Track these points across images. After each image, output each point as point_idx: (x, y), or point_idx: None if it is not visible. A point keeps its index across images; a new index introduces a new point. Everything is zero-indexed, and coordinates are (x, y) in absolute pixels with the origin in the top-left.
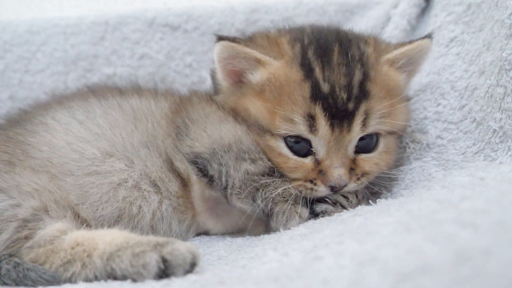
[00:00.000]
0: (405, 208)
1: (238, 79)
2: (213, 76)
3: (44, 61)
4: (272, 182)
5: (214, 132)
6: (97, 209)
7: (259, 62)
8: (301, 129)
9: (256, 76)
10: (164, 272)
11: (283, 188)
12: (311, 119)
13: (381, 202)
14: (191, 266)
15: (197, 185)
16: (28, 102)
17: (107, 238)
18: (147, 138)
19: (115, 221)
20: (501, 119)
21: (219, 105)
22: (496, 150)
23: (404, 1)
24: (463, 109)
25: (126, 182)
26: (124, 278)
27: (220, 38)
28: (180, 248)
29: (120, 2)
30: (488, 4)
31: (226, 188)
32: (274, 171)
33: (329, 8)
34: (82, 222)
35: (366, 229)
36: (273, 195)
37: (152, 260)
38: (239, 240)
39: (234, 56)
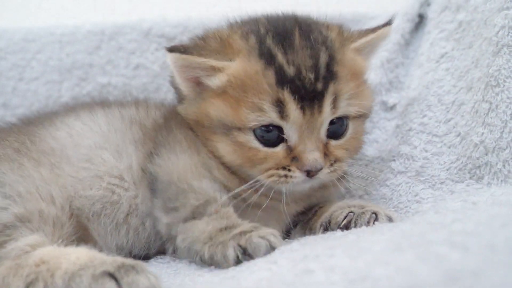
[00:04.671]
0: (397, 228)
1: (197, 82)
2: (173, 82)
3: (39, 69)
4: (193, 225)
5: (169, 164)
6: (89, 190)
7: (214, 69)
8: (272, 116)
9: (215, 81)
10: None
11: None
12: (280, 105)
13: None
14: None
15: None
16: (22, 110)
17: (72, 257)
18: (137, 136)
19: (102, 207)
20: (483, 133)
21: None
22: (479, 166)
23: (398, 16)
24: (449, 123)
25: (112, 171)
26: None
27: (171, 50)
28: (140, 281)
29: (118, 13)
30: (478, 22)
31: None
32: (201, 211)
33: None
34: (68, 228)
35: (358, 245)
36: (193, 236)
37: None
38: None
39: (187, 65)
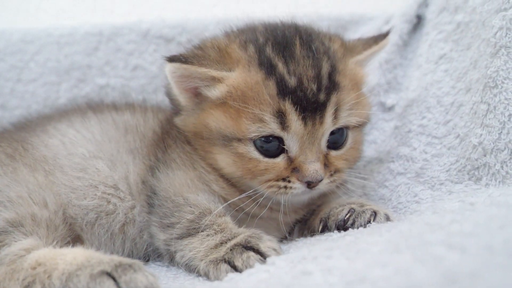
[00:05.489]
0: (396, 229)
1: (196, 92)
2: (169, 93)
3: (37, 70)
4: (189, 243)
5: (167, 180)
6: (83, 200)
7: (214, 79)
8: (273, 127)
9: (215, 92)
10: None
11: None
12: (281, 116)
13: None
14: None
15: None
16: (20, 111)
17: (68, 257)
18: (134, 146)
19: (96, 217)
20: (481, 134)
21: (182, 143)
22: (477, 168)
23: (396, 17)
24: (448, 124)
25: (106, 180)
26: None
27: (171, 60)
28: (138, 279)
29: (117, 14)
30: (476, 24)
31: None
32: (195, 226)
33: (322, 24)
34: (63, 230)
35: (356, 247)
36: (190, 254)
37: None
38: None
39: (187, 75)
